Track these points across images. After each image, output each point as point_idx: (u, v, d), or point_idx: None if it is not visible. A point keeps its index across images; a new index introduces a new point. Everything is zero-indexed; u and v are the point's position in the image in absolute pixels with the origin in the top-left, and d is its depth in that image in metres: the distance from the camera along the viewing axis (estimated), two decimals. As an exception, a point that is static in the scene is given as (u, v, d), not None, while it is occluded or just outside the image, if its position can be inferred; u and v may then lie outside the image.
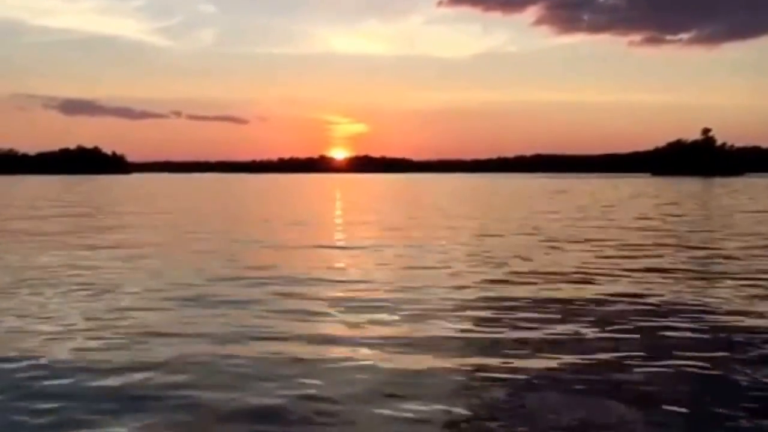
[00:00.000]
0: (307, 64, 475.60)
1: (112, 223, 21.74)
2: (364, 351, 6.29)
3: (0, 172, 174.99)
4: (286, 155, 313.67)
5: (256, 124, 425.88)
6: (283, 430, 4.50)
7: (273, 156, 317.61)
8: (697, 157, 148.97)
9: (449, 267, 11.64)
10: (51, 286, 9.69)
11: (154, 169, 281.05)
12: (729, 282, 10.06)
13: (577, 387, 5.30)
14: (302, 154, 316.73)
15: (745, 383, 5.40)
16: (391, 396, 5.07)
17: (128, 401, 5.00)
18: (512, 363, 5.90)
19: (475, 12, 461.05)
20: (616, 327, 7.20)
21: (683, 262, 12.22)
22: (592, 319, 7.60)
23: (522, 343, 6.58)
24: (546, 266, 11.71)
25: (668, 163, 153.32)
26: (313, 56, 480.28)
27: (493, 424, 4.58)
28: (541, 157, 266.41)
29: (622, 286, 9.70)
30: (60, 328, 7.16)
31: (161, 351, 6.28)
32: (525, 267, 11.61)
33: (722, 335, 6.92)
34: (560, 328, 7.15)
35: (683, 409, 4.85)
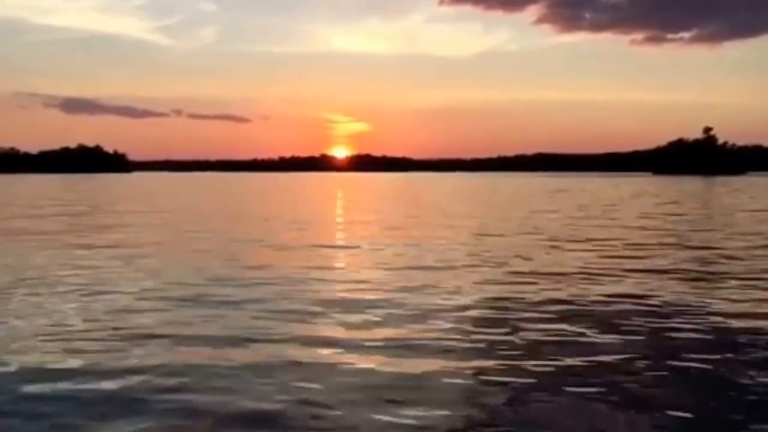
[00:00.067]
0: (308, 63, 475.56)
1: (112, 222, 21.67)
2: (364, 354, 6.23)
3: (1, 171, 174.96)
4: (287, 154, 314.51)
5: (257, 123, 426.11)
6: (280, 435, 4.44)
7: (274, 155, 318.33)
8: (698, 156, 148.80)
9: (449, 267, 11.57)
10: (47, 286, 9.64)
11: (155, 168, 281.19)
12: (731, 282, 9.99)
13: (580, 390, 5.23)
14: (303, 152, 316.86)
15: (748, 386, 5.32)
16: (392, 401, 5.00)
17: (122, 404, 4.93)
18: (513, 366, 5.84)
19: (476, 11, 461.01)
20: (617, 328, 7.13)
21: (685, 262, 12.14)
22: (593, 320, 7.53)
23: (522, 345, 6.51)
24: (546, 266, 11.64)
25: (669, 162, 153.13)
26: (314, 55, 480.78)
27: (494, 430, 4.51)
28: (541, 156, 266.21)
29: (623, 287, 9.63)
30: (55, 329, 7.09)
31: (157, 353, 6.22)
32: (525, 267, 11.54)
33: (725, 336, 6.85)
34: (561, 330, 7.08)
35: (687, 414, 4.78)
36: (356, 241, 16.02)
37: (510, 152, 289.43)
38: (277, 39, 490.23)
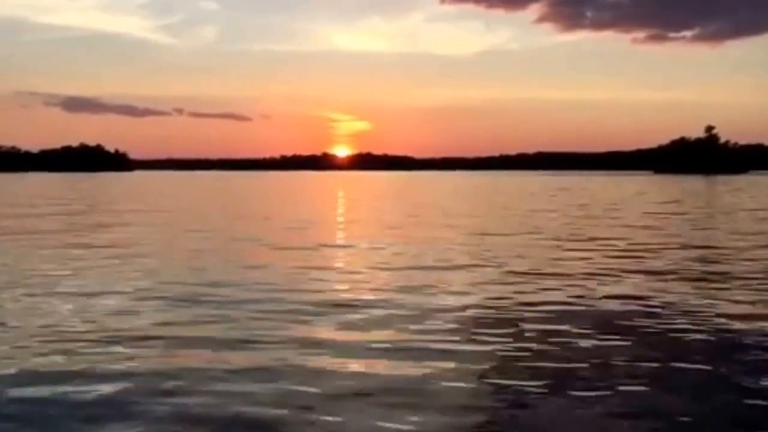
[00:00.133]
0: (309, 62, 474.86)
1: (111, 221, 21.58)
2: (362, 356, 6.13)
3: (2, 170, 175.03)
4: (289, 153, 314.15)
5: (258, 122, 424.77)
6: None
7: (275, 153, 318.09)
8: (700, 155, 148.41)
9: (450, 267, 11.48)
10: (41, 286, 9.56)
11: (156, 167, 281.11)
12: (734, 283, 9.89)
13: (581, 393, 5.14)
14: (304, 151, 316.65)
15: (754, 389, 5.23)
16: (391, 405, 4.91)
17: (117, 408, 4.83)
18: (513, 367, 5.75)
19: (477, 9, 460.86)
20: (619, 330, 7.04)
21: (686, 262, 12.05)
22: (595, 321, 7.44)
23: (522, 346, 6.42)
24: (547, 266, 11.54)
25: (671, 161, 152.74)
26: (315, 54, 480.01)
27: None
28: (543, 154, 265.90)
29: (624, 287, 9.53)
30: (46, 330, 6.99)
31: (151, 355, 6.13)
32: (526, 267, 11.43)
33: (729, 338, 6.75)
34: (562, 331, 6.98)
35: (690, 417, 4.70)
36: (356, 241, 15.93)
37: (511, 151, 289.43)
38: (278, 38, 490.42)
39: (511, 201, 37.07)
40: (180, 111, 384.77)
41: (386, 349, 6.32)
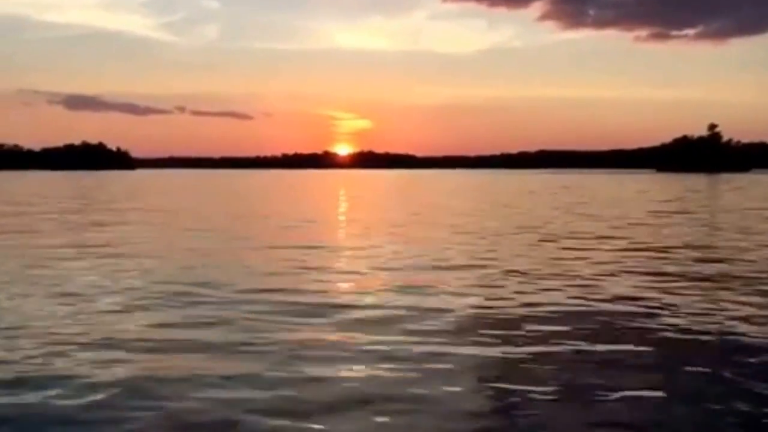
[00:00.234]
0: (311, 60, 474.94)
1: (109, 220, 21.46)
2: (360, 361, 5.98)
3: (4, 168, 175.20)
4: (290, 151, 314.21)
5: (260, 120, 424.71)
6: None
7: (277, 152, 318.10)
8: (703, 154, 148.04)
9: (450, 268, 11.33)
10: (33, 287, 9.43)
11: (158, 165, 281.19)
12: (736, 283, 9.75)
13: (582, 395, 5.01)
14: (306, 149, 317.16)
15: (759, 394, 5.09)
16: (390, 412, 4.78)
17: (103, 414, 4.71)
18: (513, 369, 5.63)
19: (479, 7, 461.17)
20: (621, 331, 6.92)
21: (688, 262, 11.91)
22: (597, 323, 7.31)
23: (522, 346, 6.29)
24: (548, 266, 11.40)
25: (674, 159, 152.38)
26: (317, 51, 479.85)
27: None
28: (545, 153, 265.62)
29: (626, 287, 9.38)
30: (30, 333, 6.82)
31: (139, 360, 5.99)
32: (527, 267, 11.28)
33: (734, 341, 6.61)
34: (564, 334, 6.84)
35: (696, 422, 4.58)
36: (356, 241, 15.80)
37: (513, 149, 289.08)
38: (280, 36, 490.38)
39: (513, 199, 36.91)
40: (182, 109, 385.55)
41: (385, 352, 6.18)
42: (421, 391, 5.16)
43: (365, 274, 10.81)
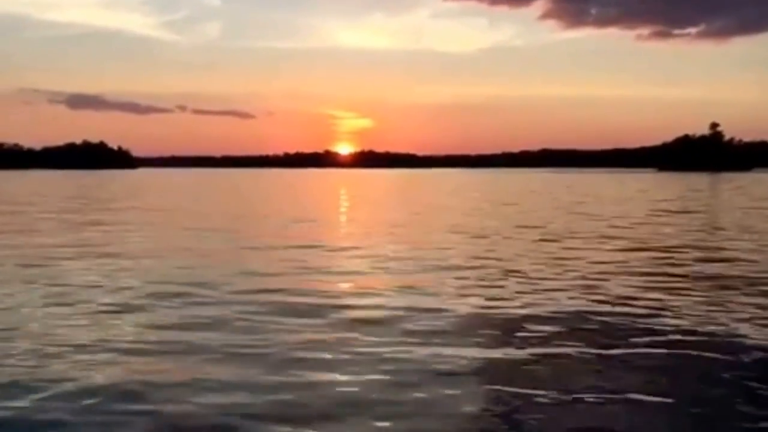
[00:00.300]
0: (312, 59, 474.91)
1: (107, 219, 21.39)
2: (358, 364, 5.88)
3: (5, 167, 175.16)
4: (292, 150, 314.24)
5: (261, 119, 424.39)
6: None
7: (278, 151, 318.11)
8: (704, 153, 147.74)
9: (450, 268, 11.24)
10: (28, 285, 9.35)
11: (159, 164, 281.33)
12: (737, 283, 9.64)
13: (583, 398, 4.92)
14: (307, 148, 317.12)
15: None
16: (389, 415, 4.69)
17: (94, 421, 4.62)
18: (513, 370, 5.54)
19: (481, 6, 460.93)
20: (622, 335, 6.82)
21: (690, 262, 11.80)
22: (599, 325, 7.21)
23: (524, 352, 6.21)
24: (549, 266, 11.30)
25: (675, 158, 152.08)
26: (318, 50, 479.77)
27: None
28: (546, 152, 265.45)
29: (627, 288, 9.28)
30: (16, 335, 6.72)
31: (126, 365, 5.87)
32: (528, 267, 11.19)
33: (739, 344, 6.51)
34: (564, 335, 6.75)
35: (696, 423, 4.47)
36: (356, 241, 15.71)
37: (515, 148, 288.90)
38: (281, 34, 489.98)
39: (514, 199, 36.81)
40: (183, 108, 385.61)
41: (385, 354, 6.09)
42: (421, 394, 5.08)
43: (365, 274, 10.73)
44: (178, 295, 8.80)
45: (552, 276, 10.35)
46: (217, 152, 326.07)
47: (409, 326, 7.12)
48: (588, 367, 5.75)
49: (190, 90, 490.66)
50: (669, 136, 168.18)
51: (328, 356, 6.06)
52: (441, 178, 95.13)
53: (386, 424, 4.54)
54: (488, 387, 5.24)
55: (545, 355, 6.07)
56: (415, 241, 15.34)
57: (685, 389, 5.24)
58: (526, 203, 31.99)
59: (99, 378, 5.44)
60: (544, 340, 6.59)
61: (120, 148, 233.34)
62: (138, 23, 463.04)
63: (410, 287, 9.35)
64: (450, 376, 5.50)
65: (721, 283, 9.81)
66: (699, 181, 72.25)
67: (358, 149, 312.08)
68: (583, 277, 10.23)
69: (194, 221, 21.17)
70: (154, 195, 42.42)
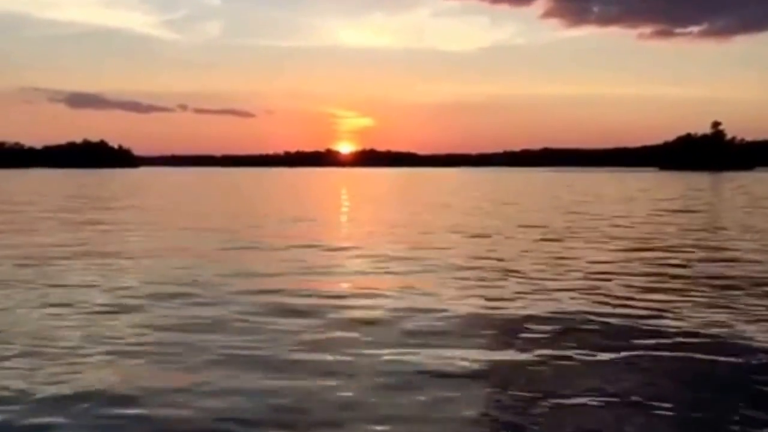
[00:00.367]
0: (313, 57, 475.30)
1: (106, 218, 21.33)
2: (358, 366, 5.81)
3: (6, 166, 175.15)
4: (292, 149, 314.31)
5: (262, 118, 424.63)
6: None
7: (279, 150, 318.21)
8: (706, 152, 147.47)
9: (450, 268, 11.17)
10: (25, 284, 9.28)
11: (160, 163, 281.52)
12: (741, 283, 9.56)
13: (584, 399, 4.84)
14: (308, 147, 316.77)
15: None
16: (388, 418, 4.62)
17: (86, 428, 4.54)
18: (512, 371, 5.47)
19: (482, 4, 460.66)
20: (624, 336, 6.75)
21: (690, 262, 11.72)
22: (600, 326, 7.14)
23: (522, 349, 6.14)
24: (550, 266, 11.23)
25: (677, 157, 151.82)
26: (319, 49, 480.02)
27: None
28: (548, 151, 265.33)
29: (630, 289, 9.21)
30: (16, 336, 6.63)
31: (121, 367, 5.80)
32: (529, 267, 11.11)
33: (742, 345, 6.43)
34: (565, 335, 6.68)
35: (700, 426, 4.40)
36: (356, 240, 15.64)
37: (516, 147, 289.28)
38: (282, 33, 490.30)
39: (515, 198, 36.73)
40: (184, 107, 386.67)
41: (385, 355, 6.03)
42: (421, 397, 5.01)
43: (365, 273, 10.66)
44: (176, 295, 8.73)
45: (553, 276, 10.28)
46: (218, 151, 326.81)
47: (410, 327, 7.05)
48: (589, 369, 5.68)
49: (190, 89, 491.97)
50: (671, 135, 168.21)
51: (327, 358, 5.98)
52: (442, 177, 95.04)
53: (386, 428, 4.47)
54: (488, 389, 5.18)
55: (546, 357, 6.00)
56: (415, 240, 15.27)
57: (688, 392, 5.17)
58: (527, 203, 31.90)
59: (94, 381, 5.36)
60: (545, 342, 6.52)
61: (121, 147, 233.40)
62: (138, 22, 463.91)
63: (410, 287, 9.28)
64: (450, 378, 5.44)
65: (724, 283, 9.73)
66: (701, 180, 72.11)
67: (358, 148, 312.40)
68: (585, 278, 10.16)
69: (194, 221, 21.10)
70: (154, 194, 42.37)
